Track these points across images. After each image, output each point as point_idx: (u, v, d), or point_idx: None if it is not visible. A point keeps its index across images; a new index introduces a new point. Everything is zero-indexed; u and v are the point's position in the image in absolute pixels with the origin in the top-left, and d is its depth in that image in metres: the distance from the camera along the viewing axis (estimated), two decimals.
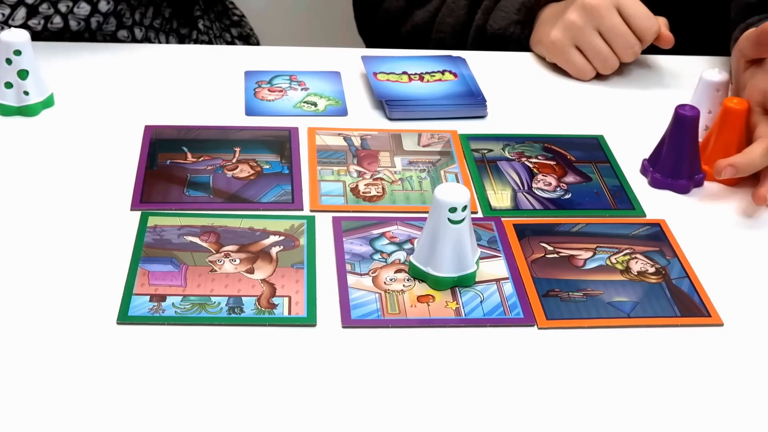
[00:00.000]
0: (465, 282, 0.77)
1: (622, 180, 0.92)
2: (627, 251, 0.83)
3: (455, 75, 1.05)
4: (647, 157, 0.93)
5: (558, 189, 0.90)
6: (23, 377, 0.68)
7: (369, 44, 1.32)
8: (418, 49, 1.13)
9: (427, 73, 1.05)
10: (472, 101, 1.01)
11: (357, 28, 1.34)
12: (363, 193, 0.88)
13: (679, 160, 0.90)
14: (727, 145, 0.91)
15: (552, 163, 0.94)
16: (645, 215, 0.88)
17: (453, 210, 0.75)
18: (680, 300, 0.78)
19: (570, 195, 0.90)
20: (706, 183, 0.92)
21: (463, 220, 0.75)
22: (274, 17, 1.30)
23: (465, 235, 0.76)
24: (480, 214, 0.86)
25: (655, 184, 0.91)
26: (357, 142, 0.95)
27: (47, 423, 0.65)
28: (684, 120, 0.89)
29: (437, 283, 0.77)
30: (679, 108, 0.89)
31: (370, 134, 0.96)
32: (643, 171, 0.93)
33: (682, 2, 1.19)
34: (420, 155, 0.94)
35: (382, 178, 0.90)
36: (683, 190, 0.91)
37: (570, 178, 0.92)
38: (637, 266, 0.81)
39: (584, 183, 0.91)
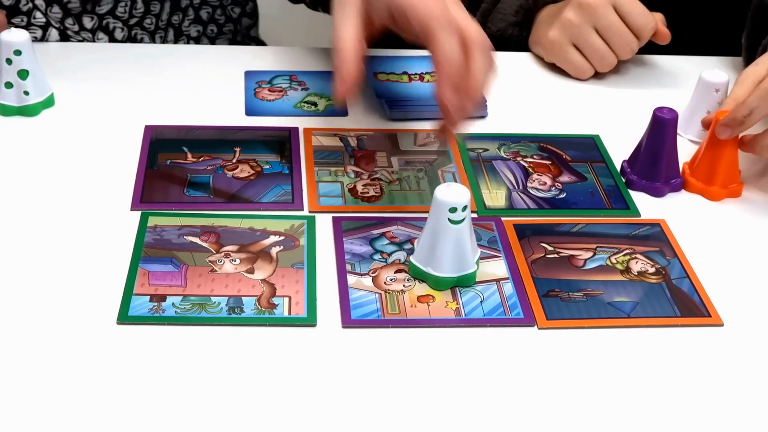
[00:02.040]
0: (465, 282, 0.78)
1: (617, 180, 0.92)
2: (627, 251, 0.83)
3: None
4: (627, 158, 0.93)
5: (553, 188, 0.90)
6: (23, 377, 0.68)
7: (370, 45, 1.32)
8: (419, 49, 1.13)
9: (427, 73, 1.05)
10: None
11: None
12: (361, 193, 0.88)
13: (655, 162, 0.90)
14: (715, 158, 0.90)
15: (547, 162, 0.94)
16: (640, 215, 0.88)
17: (453, 210, 0.75)
18: (680, 300, 0.78)
19: (565, 194, 0.90)
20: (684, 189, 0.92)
21: (463, 220, 0.75)
22: (275, 17, 1.30)
23: (465, 235, 0.76)
24: (475, 214, 0.86)
25: (630, 185, 0.91)
26: (353, 142, 0.95)
27: (47, 423, 0.65)
28: (661, 122, 0.88)
29: (437, 283, 0.77)
30: (657, 110, 0.89)
31: (366, 134, 0.96)
32: (622, 172, 0.93)
33: (682, 2, 1.19)
34: (416, 155, 0.94)
35: (379, 179, 0.90)
36: (658, 194, 0.90)
37: (565, 178, 0.92)
38: (637, 266, 0.81)
39: (579, 182, 0.91)
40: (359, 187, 0.89)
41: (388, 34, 1.33)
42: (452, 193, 0.75)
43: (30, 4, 1.05)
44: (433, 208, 0.76)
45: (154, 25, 1.12)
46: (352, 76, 0.81)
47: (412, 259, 0.78)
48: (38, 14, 1.05)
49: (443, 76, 0.80)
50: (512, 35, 1.14)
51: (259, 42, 1.29)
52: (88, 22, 1.08)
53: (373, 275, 0.78)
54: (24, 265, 0.77)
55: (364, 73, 0.82)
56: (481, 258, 0.80)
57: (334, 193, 0.88)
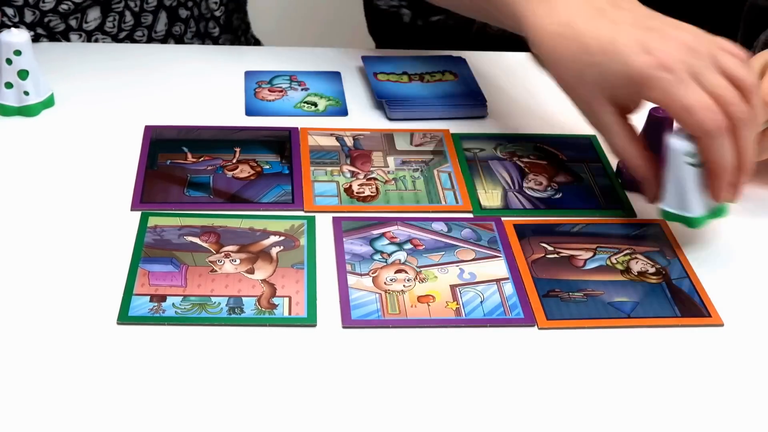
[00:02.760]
0: (719, 214, 0.82)
1: (613, 180, 0.92)
2: (627, 251, 0.83)
3: (455, 75, 1.05)
4: None
5: (549, 189, 0.90)
6: (23, 377, 0.68)
7: (380, 45, 1.33)
8: (419, 49, 1.13)
9: (427, 73, 1.05)
10: (472, 101, 1.01)
11: (368, 30, 1.34)
12: (357, 193, 0.88)
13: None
14: None
15: (543, 162, 0.94)
16: (635, 215, 0.88)
17: (692, 155, 0.79)
18: (680, 300, 0.78)
19: (560, 195, 0.90)
20: None
21: (701, 162, 0.79)
22: (275, 17, 1.30)
23: (704, 175, 0.80)
24: (470, 215, 0.86)
25: (626, 186, 0.91)
26: (349, 142, 0.95)
27: (47, 423, 0.65)
28: (657, 123, 0.88)
29: (695, 222, 0.81)
30: (653, 110, 0.89)
31: (362, 134, 0.96)
32: (618, 172, 0.93)
33: (682, 2, 1.19)
34: (413, 155, 0.94)
35: (375, 178, 0.90)
36: None
37: (561, 178, 0.92)
38: (637, 266, 0.81)
39: (575, 183, 0.91)
40: (355, 187, 0.89)
41: (388, 34, 1.33)
42: (685, 139, 0.78)
43: (12, 22, 1.05)
44: (670, 159, 0.79)
45: (146, 37, 1.11)
46: (656, 184, 0.83)
47: (663, 206, 0.82)
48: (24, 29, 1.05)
49: (719, 182, 0.79)
50: (512, 35, 1.14)
51: (258, 42, 1.29)
52: (76, 40, 1.08)
53: (374, 275, 0.78)
54: (24, 266, 0.77)
55: (656, 164, 0.83)
56: (481, 258, 0.80)
57: (330, 192, 0.88)
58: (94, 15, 1.07)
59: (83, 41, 1.08)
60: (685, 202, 0.81)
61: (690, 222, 0.82)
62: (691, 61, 0.78)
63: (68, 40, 1.07)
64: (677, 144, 0.79)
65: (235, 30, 1.22)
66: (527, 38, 0.85)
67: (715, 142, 0.77)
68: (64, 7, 1.04)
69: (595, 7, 0.82)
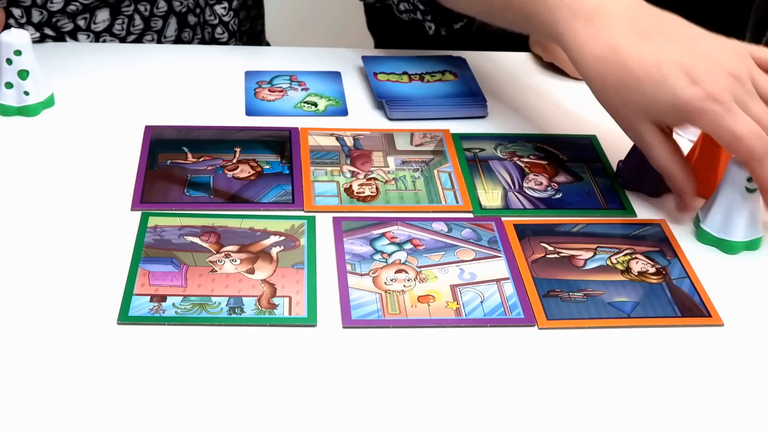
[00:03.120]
0: (754, 246, 0.83)
1: (613, 180, 0.92)
2: (627, 251, 0.83)
3: (455, 75, 1.05)
4: (622, 159, 0.93)
5: (549, 188, 0.90)
6: (23, 377, 0.68)
7: (379, 41, 1.33)
8: (418, 49, 1.13)
9: (427, 73, 1.05)
10: (473, 101, 1.01)
11: (368, 27, 1.34)
12: (357, 193, 0.88)
13: (648, 162, 0.89)
14: (712, 159, 0.89)
15: (544, 162, 0.94)
16: (636, 215, 0.88)
17: (750, 179, 0.80)
18: (681, 300, 0.78)
19: (561, 195, 0.90)
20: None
21: (755, 188, 0.81)
22: (275, 17, 1.30)
23: (759, 202, 0.82)
24: (470, 214, 0.86)
25: (625, 186, 0.91)
26: (350, 142, 0.95)
27: (48, 423, 0.65)
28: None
29: (732, 248, 0.83)
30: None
31: (362, 134, 0.96)
32: (618, 173, 0.93)
33: (684, 3, 1.19)
34: (413, 155, 0.94)
35: (375, 178, 0.90)
36: (652, 193, 0.90)
37: (561, 178, 0.92)
38: (637, 266, 0.81)
39: (575, 183, 0.91)
40: (355, 187, 0.89)
41: (387, 32, 1.33)
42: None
43: (20, 23, 1.05)
44: (730, 183, 0.82)
45: (155, 42, 1.11)
46: (692, 197, 0.85)
47: (705, 228, 0.83)
48: (31, 29, 1.05)
49: None
50: (512, 35, 1.14)
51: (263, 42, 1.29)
52: (84, 41, 1.08)
53: (374, 275, 0.79)
54: (24, 265, 0.77)
55: (694, 180, 0.85)
56: (481, 258, 0.80)
57: (330, 192, 0.88)
58: (102, 16, 1.07)
59: (91, 41, 1.08)
60: (729, 226, 0.83)
61: (728, 247, 0.83)
62: (736, 90, 0.80)
63: (76, 40, 1.07)
64: (740, 170, 0.81)
65: (258, 35, 1.22)
66: (569, 58, 0.87)
67: (764, 166, 0.79)
68: (72, 7, 1.04)
69: (638, 30, 0.83)
